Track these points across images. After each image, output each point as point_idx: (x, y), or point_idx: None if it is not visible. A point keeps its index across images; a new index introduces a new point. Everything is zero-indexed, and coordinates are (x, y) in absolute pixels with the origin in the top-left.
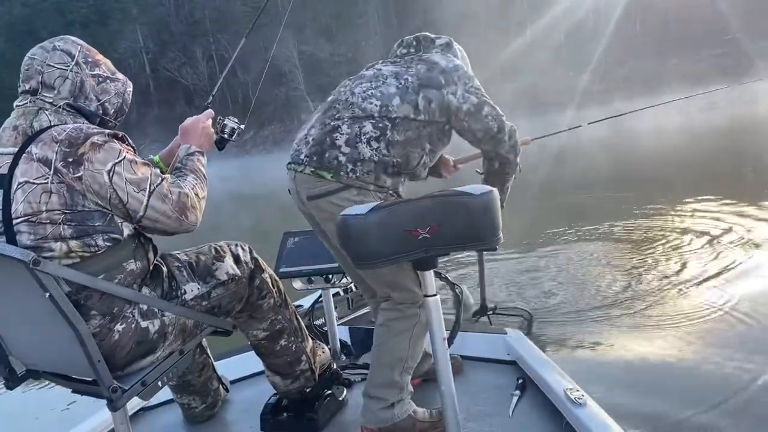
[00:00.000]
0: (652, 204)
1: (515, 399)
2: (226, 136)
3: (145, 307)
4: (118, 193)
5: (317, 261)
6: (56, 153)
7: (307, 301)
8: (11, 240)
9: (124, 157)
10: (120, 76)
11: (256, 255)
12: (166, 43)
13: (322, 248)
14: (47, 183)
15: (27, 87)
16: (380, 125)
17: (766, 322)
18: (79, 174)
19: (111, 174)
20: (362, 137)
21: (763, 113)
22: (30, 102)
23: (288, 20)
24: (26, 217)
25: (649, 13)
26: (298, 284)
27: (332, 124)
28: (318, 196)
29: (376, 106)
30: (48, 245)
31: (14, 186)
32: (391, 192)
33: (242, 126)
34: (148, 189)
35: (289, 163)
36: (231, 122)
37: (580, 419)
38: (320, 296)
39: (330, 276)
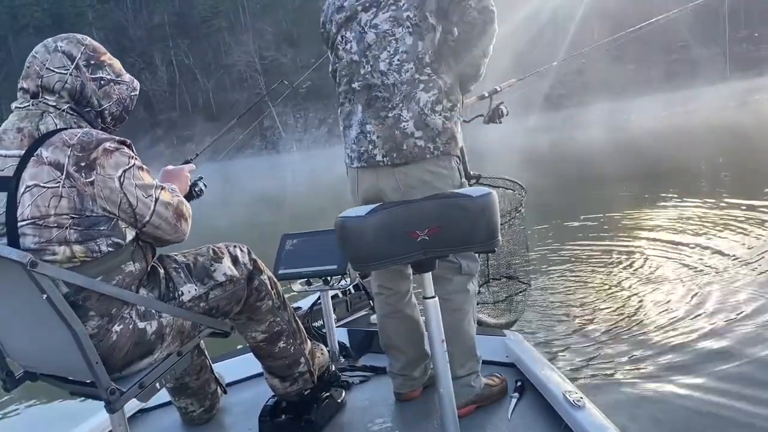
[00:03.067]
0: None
1: (514, 401)
2: (196, 190)
3: (142, 308)
4: (128, 197)
5: (316, 263)
6: (68, 157)
7: (305, 303)
8: (14, 242)
9: (134, 164)
10: (126, 77)
11: (254, 256)
12: (125, 49)
13: (320, 250)
14: (58, 187)
15: (26, 86)
16: (430, 83)
17: None
18: (91, 179)
19: (122, 179)
20: (425, 110)
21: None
22: (32, 104)
23: (249, 25)
24: (33, 220)
25: (606, 22)
26: (297, 286)
27: (391, 115)
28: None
29: (412, 68)
30: (51, 248)
31: (21, 189)
32: (460, 156)
33: (206, 188)
34: (154, 195)
35: (359, 167)
36: (202, 183)
37: (578, 422)
38: (319, 298)
39: (329, 278)
